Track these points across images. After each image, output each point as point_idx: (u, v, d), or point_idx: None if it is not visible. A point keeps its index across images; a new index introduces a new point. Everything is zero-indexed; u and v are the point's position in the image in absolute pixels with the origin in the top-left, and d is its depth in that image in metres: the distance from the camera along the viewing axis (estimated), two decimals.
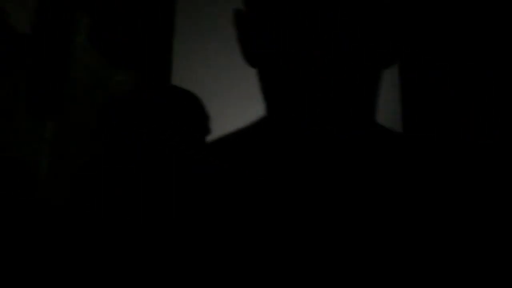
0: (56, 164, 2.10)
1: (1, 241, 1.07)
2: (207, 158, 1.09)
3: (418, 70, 2.26)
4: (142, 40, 2.20)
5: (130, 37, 2.19)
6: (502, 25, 2.22)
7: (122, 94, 1.81)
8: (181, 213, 1.04)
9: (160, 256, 1.02)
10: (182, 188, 1.06)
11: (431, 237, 1.00)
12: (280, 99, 1.06)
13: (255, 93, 1.15)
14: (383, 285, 0.98)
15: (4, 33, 2.15)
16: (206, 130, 1.95)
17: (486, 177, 1.06)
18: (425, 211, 1.02)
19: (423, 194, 1.03)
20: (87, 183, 1.07)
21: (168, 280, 1.02)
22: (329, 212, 1.02)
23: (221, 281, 1.00)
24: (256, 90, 1.10)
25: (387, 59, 1.08)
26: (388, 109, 2.24)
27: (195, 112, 1.90)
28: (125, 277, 1.02)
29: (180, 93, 1.85)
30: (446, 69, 2.24)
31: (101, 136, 1.85)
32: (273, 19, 1.04)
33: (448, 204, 1.03)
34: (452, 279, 0.99)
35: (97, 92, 2.20)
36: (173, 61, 2.24)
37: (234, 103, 2.22)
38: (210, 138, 1.61)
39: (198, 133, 1.91)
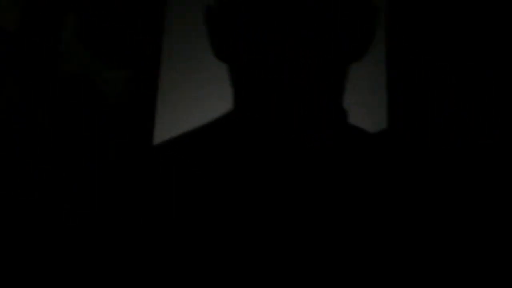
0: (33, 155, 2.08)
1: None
2: (172, 151, 1.10)
3: (406, 68, 2.25)
4: (131, 36, 2.19)
5: (119, 33, 2.18)
6: (495, 23, 2.22)
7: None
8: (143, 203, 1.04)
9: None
10: (147, 179, 1.06)
11: (365, 230, 1.00)
12: (247, 94, 1.07)
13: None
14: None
15: None
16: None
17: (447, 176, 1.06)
18: (363, 209, 1.02)
19: (369, 191, 1.04)
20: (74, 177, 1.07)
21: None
22: (285, 209, 1.02)
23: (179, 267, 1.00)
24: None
25: (354, 54, 1.10)
26: (374, 110, 2.22)
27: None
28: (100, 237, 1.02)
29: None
30: (434, 66, 2.24)
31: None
32: (242, 14, 1.06)
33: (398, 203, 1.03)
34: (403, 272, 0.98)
35: (87, 90, 2.18)
36: (162, 58, 2.23)
37: (223, 99, 2.20)
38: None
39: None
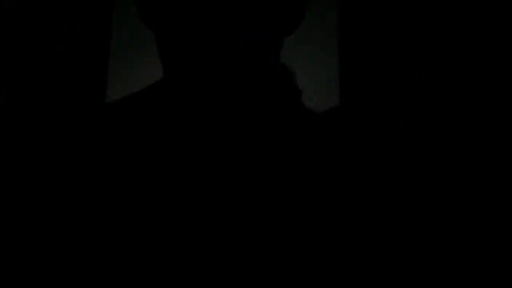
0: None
1: None
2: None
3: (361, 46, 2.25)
4: (78, 40, 2.14)
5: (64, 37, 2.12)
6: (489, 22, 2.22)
7: None
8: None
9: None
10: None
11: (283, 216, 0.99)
12: (175, 63, 1.04)
13: None
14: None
15: None
16: None
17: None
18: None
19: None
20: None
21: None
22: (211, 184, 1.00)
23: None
24: None
25: (288, 25, 1.08)
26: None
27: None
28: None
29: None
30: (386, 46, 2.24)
31: None
32: None
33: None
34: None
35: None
36: (114, 14, 2.18)
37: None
38: None
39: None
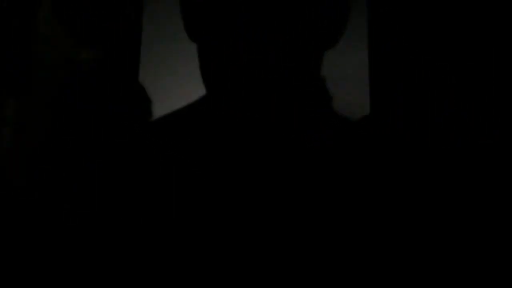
0: (17, 144, 2.07)
1: None
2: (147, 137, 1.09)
3: (389, 56, 2.25)
4: (109, 15, 2.15)
5: (97, 12, 2.14)
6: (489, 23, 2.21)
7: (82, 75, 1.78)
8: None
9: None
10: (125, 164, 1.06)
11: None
12: (218, 77, 1.04)
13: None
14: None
15: None
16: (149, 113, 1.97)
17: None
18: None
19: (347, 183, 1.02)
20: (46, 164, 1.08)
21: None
22: (256, 194, 1.01)
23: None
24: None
25: (328, 40, 1.08)
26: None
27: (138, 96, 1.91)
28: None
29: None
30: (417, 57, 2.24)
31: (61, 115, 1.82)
32: None
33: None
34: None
35: (62, 70, 2.15)
36: (142, 39, 2.20)
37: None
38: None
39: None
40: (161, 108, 2.14)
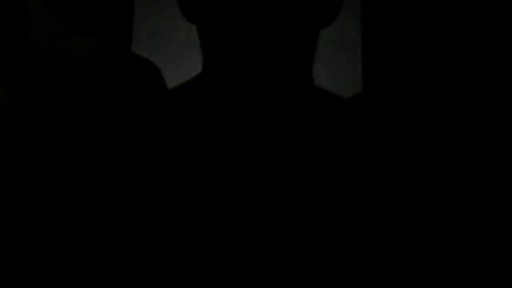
0: (8, 134, 2.06)
1: None
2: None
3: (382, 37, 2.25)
4: (103, 2, 2.14)
5: None
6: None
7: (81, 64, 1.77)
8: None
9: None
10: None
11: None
12: (216, 56, 1.07)
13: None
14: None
15: None
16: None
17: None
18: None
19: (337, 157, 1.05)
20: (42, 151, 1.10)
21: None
22: (255, 169, 1.03)
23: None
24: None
25: (324, 18, 1.10)
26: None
27: (153, 81, 1.90)
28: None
29: (139, 61, 1.84)
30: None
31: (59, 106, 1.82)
32: None
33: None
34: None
35: (55, 58, 2.14)
36: (134, 24, 2.19)
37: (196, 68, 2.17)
38: None
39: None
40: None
